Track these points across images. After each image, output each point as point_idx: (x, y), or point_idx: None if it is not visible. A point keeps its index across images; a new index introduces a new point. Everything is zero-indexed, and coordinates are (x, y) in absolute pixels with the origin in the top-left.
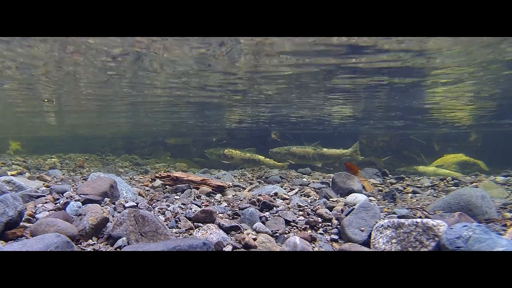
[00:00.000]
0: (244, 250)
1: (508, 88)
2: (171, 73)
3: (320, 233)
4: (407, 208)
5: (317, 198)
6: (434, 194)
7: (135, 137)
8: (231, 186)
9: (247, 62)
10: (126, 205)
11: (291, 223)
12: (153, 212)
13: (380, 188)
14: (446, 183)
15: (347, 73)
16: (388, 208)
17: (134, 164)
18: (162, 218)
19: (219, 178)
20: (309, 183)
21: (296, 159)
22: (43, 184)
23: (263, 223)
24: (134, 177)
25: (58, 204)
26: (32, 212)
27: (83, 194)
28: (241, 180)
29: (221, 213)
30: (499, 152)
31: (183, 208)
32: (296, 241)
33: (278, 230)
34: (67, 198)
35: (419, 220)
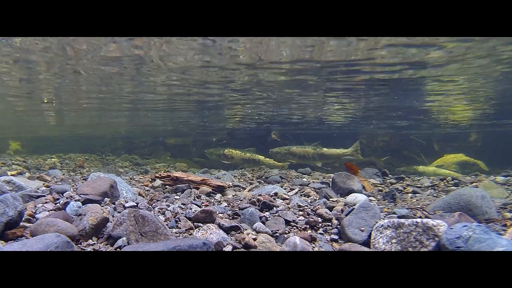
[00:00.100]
0: (244, 250)
1: (508, 88)
2: (172, 67)
3: (320, 233)
4: (407, 208)
5: (317, 198)
6: (434, 194)
7: (135, 137)
8: (231, 186)
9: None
10: (126, 205)
11: (291, 223)
12: (153, 212)
13: (380, 188)
14: (446, 183)
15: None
16: (388, 208)
17: (134, 164)
18: (162, 218)
19: (219, 178)
20: (309, 183)
21: (296, 158)
22: (43, 184)
23: (263, 223)
24: (134, 177)
25: (58, 204)
26: (32, 212)
27: (83, 194)
28: (241, 180)
29: (221, 213)
30: (499, 152)
31: (183, 208)
32: (296, 241)
33: (278, 230)
34: (67, 198)
35: (419, 220)
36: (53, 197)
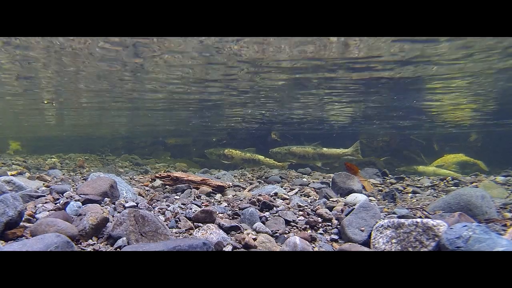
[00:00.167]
0: (244, 250)
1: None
2: (173, 65)
3: (320, 233)
4: (407, 208)
5: (317, 198)
6: (434, 194)
7: (135, 137)
8: (231, 186)
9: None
10: (126, 205)
11: (291, 223)
12: (153, 212)
13: (380, 188)
14: (446, 183)
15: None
16: (388, 208)
17: (134, 164)
18: (162, 218)
19: (219, 178)
20: (309, 183)
21: (297, 158)
22: (43, 184)
23: (263, 223)
24: (134, 177)
25: (58, 204)
26: (32, 212)
27: (83, 194)
28: (241, 180)
29: (221, 213)
30: (499, 152)
31: (183, 208)
32: (296, 241)
33: (278, 230)
34: (67, 198)
35: (419, 220)
36: (53, 197)
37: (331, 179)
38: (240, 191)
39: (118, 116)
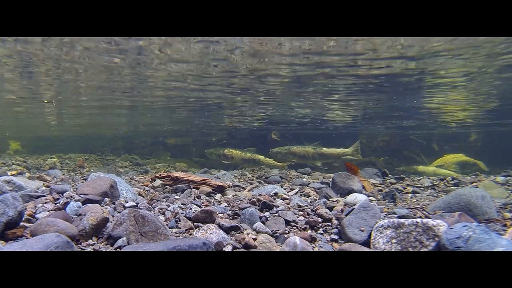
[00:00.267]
0: (244, 250)
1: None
2: (173, 63)
3: (320, 233)
4: (407, 208)
5: (317, 198)
6: (434, 194)
7: (135, 137)
8: (231, 186)
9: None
10: (126, 205)
11: (291, 223)
12: (153, 212)
13: (380, 188)
14: (446, 183)
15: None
16: (388, 208)
17: (134, 164)
18: (162, 218)
19: (219, 178)
20: (309, 183)
21: (297, 158)
22: (43, 184)
23: (263, 223)
24: (134, 177)
25: (58, 204)
26: (32, 212)
27: (83, 194)
28: (241, 180)
29: (221, 213)
30: (499, 152)
31: (183, 208)
32: (296, 241)
33: (278, 230)
34: (67, 198)
35: (419, 220)
36: (53, 197)
37: (331, 179)
38: (240, 191)
39: (118, 116)
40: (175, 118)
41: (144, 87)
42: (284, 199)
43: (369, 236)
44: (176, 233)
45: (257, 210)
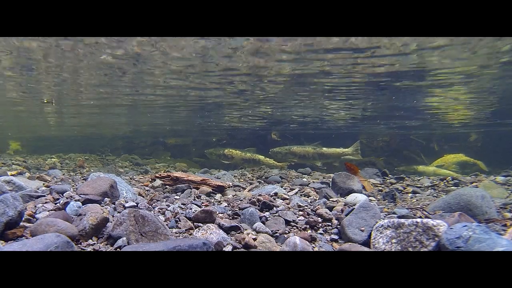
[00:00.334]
0: (244, 250)
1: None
2: (171, 64)
3: (320, 233)
4: (407, 208)
5: (317, 198)
6: (434, 194)
7: (135, 137)
8: (231, 186)
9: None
10: (126, 205)
11: (291, 223)
12: (153, 212)
13: (380, 188)
14: (446, 183)
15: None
16: (388, 208)
17: (134, 164)
18: (162, 218)
19: (219, 178)
20: (309, 183)
21: (297, 158)
22: (43, 184)
23: (263, 223)
24: (134, 177)
25: (58, 204)
26: (32, 212)
27: (83, 194)
28: (241, 180)
29: (221, 213)
30: (499, 152)
31: (183, 208)
32: (296, 241)
33: (278, 230)
34: (67, 198)
35: (419, 220)
36: (53, 197)
37: (331, 179)
38: (240, 191)
39: (118, 115)
40: (176, 118)
41: (143, 86)
42: (284, 199)
43: (369, 236)
44: (176, 233)
45: (257, 210)
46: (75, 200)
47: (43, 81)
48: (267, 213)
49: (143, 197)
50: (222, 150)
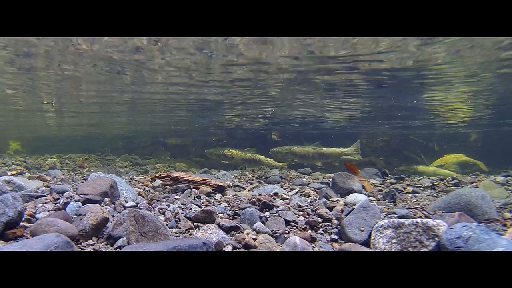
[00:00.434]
0: (244, 250)
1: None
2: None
3: (320, 233)
4: (407, 208)
5: (317, 198)
6: (434, 194)
7: (135, 137)
8: (231, 186)
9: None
10: (126, 205)
11: (291, 223)
12: (153, 212)
13: (380, 188)
14: (446, 183)
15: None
16: (388, 208)
17: (134, 164)
18: (162, 218)
19: (219, 178)
20: (309, 183)
21: (297, 158)
22: (43, 184)
23: (263, 223)
24: (134, 177)
25: (58, 204)
26: (32, 212)
27: (83, 194)
28: (241, 180)
29: (221, 213)
30: (499, 152)
31: (183, 208)
32: (296, 241)
33: (278, 230)
34: (67, 198)
35: (419, 220)
36: (53, 197)
37: (331, 179)
38: (240, 191)
39: (118, 116)
40: (176, 118)
41: (142, 84)
42: (284, 199)
43: (369, 236)
44: (176, 233)
45: (257, 210)
46: (75, 200)
47: (42, 76)
48: (267, 213)
49: (143, 197)
50: (222, 150)
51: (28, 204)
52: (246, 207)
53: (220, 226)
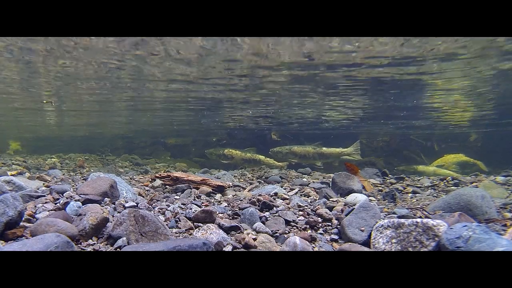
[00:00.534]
0: (244, 250)
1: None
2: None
3: (320, 233)
4: (407, 208)
5: (317, 198)
6: (434, 194)
7: (135, 137)
8: (231, 186)
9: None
10: (126, 205)
11: (291, 223)
12: (153, 212)
13: (380, 188)
14: (446, 183)
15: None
16: (388, 208)
17: (134, 164)
18: (162, 218)
19: (219, 178)
20: (309, 183)
21: (297, 158)
22: (43, 184)
23: (263, 223)
24: (134, 177)
25: (58, 204)
26: (32, 212)
27: (83, 194)
28: (241, 180)
29: (221, 213)
30: (499, 152)
31: (183, 208)
32: (296, 241)
33: (278, 230)
34: (67, 198)
35: (419, 220)
36: (53, 197)
37: (331, 179)
38: (240, 191)
39: (118, 116)
40: (176, 118)
41: (142, 83)
42: (284, 199)
43: (369, 236)
44: (176, 233)
45: (257, 210)
46: (75, 200)
47: (41, 74)
48: (267, 213)
49: (143, 197)
50: (222, 150)
51: (28, 204)
52: (246, 207)
53: (220, 226)
